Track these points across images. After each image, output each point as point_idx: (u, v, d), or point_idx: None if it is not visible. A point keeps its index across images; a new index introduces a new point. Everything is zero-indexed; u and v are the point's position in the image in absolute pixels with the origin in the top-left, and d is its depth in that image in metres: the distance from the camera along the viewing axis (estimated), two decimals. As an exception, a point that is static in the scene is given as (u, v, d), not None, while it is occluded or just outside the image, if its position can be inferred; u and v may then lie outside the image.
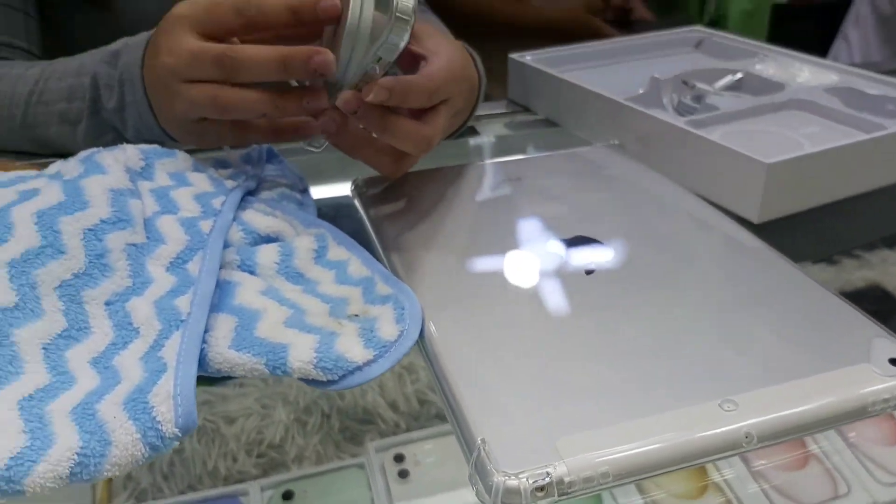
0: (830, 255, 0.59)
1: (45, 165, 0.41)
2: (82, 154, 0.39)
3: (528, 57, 0.66)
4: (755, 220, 0.45)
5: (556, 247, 0.39)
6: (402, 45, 0.38)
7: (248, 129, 0.46)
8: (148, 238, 0.35)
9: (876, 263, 0.65)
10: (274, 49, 0.40)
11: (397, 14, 0.36)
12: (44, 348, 0.30)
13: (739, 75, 0.62)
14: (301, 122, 0.47)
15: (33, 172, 0.42)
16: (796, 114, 0.56)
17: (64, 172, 0.37)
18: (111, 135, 0.52)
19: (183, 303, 0.32)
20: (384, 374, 0.31)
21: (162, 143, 0.45)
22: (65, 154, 0.52)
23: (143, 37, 0.49)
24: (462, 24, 0.76)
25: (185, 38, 0.41)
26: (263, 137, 0.47)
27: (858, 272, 0.65)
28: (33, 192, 0.34)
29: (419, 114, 0.42)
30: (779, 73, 0.61)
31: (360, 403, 0.62)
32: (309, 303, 0.35)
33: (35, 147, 0.56)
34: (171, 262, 0.35)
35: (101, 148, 0.39)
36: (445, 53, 0.43)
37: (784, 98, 0.56)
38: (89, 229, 0.33)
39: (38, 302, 0.30)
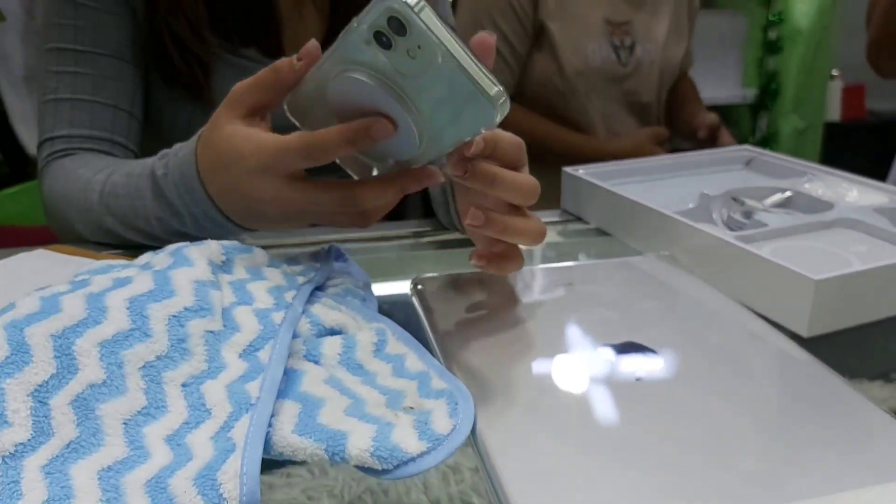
0: (886, 372, 0.58)
1: (128, 256, 0.44)
2: (171, 247, 0.43)
3: (580, 170, 0.69)
4: (804, 334, 0.45)
5: (606, 352, 0.41)
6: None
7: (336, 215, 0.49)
8: (225, 326, 0.38)
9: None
10: (338, 128, 0.42)
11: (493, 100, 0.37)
12: (124, 423, 0.32)
13: (788, 193, 0.64)
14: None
15: (122, 262, 0.46)
16: (845, 232, 0.57)
17: (154, 264, 0.41)
18: (175, 222, 0.55)
19: (253, 388, 0.35)
20: (432, 469, 0.32)
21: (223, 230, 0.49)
22: (131, 243, 0.57)
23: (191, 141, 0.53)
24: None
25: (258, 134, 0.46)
26: (350, 221, 0.49)
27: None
28: (126, 280, 0.38)
29: None
30: (828, 193, 0.62)
31: (404, 501, 0.62)
32: (368, 393, 0.37)
33: (107, 237, 0.61)
34: (244, 350, 0.37)
35: (188, 243, 0.43)
36: None
37: (833, 216, 0.58)
38: (174, 316, 0.36)
39: (123, 380, 0.33)
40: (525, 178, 0.44)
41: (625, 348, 0.41)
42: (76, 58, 0.68)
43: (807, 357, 0.41)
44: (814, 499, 0.29)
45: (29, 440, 0.30)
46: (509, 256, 0.46)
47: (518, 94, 1.30)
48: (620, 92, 1.28)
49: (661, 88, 1.34)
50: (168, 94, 0.72)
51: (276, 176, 0.46)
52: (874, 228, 0.56)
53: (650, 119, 1.34)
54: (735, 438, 0.33)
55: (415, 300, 0.49)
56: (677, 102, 1.43)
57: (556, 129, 1.26)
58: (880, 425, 0.34)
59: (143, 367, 0.34)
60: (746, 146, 0.79)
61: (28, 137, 1.53)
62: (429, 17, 0.36)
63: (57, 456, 0.30)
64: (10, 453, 0.29)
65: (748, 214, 0.59)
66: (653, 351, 0.41)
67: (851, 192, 0.62)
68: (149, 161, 0.57)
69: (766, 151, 0.76)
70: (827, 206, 0.60)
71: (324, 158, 0.44)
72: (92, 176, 0.62)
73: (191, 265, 0.39)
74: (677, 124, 1.39)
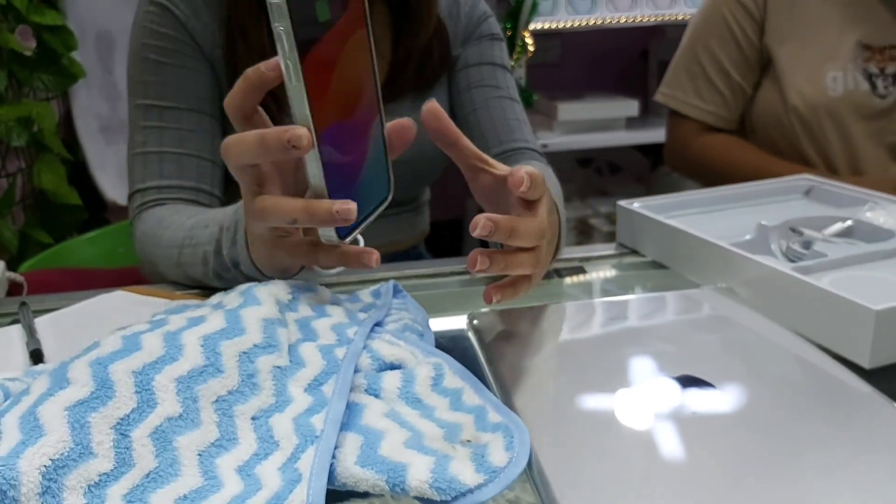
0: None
1: (200, 296, 0.47)
2: (240, 287, 0.45)
3: (635, 204, 0.69)
4: (866, 365, 0.45)
5: (663, 384, 0.41)
6: None
7: (317, 251, 0.49)
8: (291, 362, 0.40)
9: None
10: (254, 132, 0.44)
11: None
12: (199, 454, 0.34)
13: (849, 223, 0.63)
14: (363, 250, 0.49)
15: (195, 301, 0.49)
16: (909, 261, 0.56)
17: (226, 303, 0.43)
18: (231, 273, 0.58)
19: (318, 421, 0.36)
20: (489, 502, 0.33)
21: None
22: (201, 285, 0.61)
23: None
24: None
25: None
26: (329, 259, 0.50)
27: None
28: (200, 319, 0.40)
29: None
30: (889, 221, 0.61)
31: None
32: (426, 427, 0.38)
33: (185, 280, 0.65)
34: (309, 384, 0.39)
35: (256, 283, 0.46)
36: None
37: (894, 245, 0.57)
38: (244, 352, 0.38)
39: (198, 414, 0.35)
40: (535, 225, 0.46)
41: (683, 381, 0.41)
42: (161, 113, 0.73)
43: (869, 390, 0.40)
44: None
45: (112, 470, 0.32)
46: (517, 282, 0.47)
47: (743, 129, 1.17)
48: (875, 129, 1.07)
49: None
50: None
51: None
52: (940, 257, 0.55)
53: None
54: (795, 472, 0.33)
55: (471, 335, 0.51)
56: None
57: (771, 163, 1.05)
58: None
59: (217, 401, 0.36)
60: (806, 175, 0.78)
61: (106, 184, 1.62)
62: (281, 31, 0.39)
63: (137, 485, 0.32)
64: (95, 482, 0.32)
65: (807, 245, 0.59)
66: (711, 384, 0.41)
67: (915, 220, 0.61)
68: (227, 210, 0.60)
69: (826, 180, 0.75)
70: (889, 234, 0.59)
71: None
72: (182, 221, 0.65)
73: (259, 304, 0.42)
74: None
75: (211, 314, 0.41)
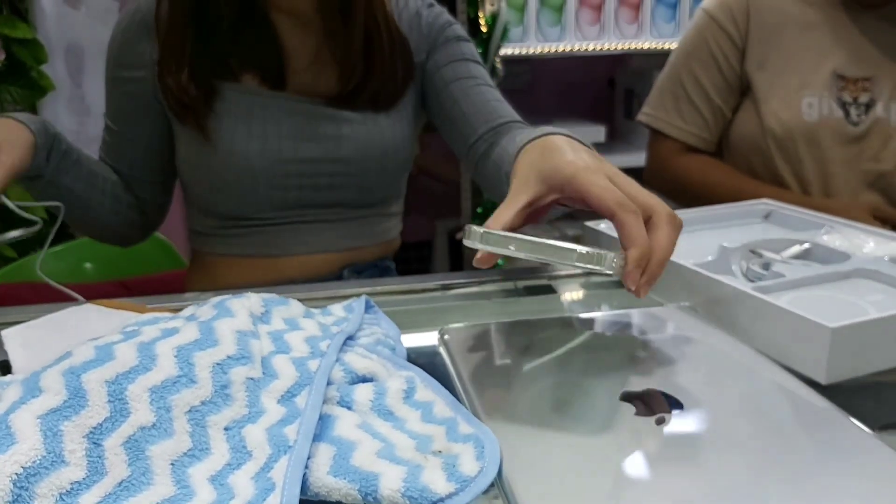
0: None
1: (171, 310, 0.47)
2: (214, 300, 0.45)
3: (602, 225, 0.71)
4: (823, 381, 0.46)
5: (627, 397, 0.42)
6: None
7: None
8: (264, 373, 0.40)
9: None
10: None
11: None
12: (171, 464, 0.34)
13: (807, 245, 0.65)
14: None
15: (167, 315, 0.49)
16: (862, 282, 0.58)
17: (199, 315, 0.44)
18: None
19: (291, 431, 0.37)
20: None
21: None
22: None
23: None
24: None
25: None
26: None
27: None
28: (174, 331, 0.40)
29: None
30: (845, 244, 0.64)
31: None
32: (398, 438, 0.38)
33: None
34: (282, 396, 0.39)
35: (230, 296, 0.46)
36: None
37: (850, 267, 0.59)
38: (217, 363, 0.39)
39: (171, 423, 0.36)
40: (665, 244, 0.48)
41: (647, 397, 0.42)
42: (106, 130, 0.89)
43: (826, 405, 0.42)
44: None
45: (84, 479, 0.32)
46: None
47: (720, 151, 1.20)
48: (848, 155, 1.10)
49: None
50: (180, 130, 0.84)
51: None
52: (891, 278, 0.57)
53: (890, 190, 1.12)
54: (751, 484, 0.34)
55: (442, 350, 0.51)
56: None
57: (746, 185, 1.09)
58: (892, 466, 0.35)
59: (190, 411, 0.36)
60: (765, 200, 0.81)
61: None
62: None
63: (110, 493, 0.32)
64: (67, 491, 0.32)
65: (766, 266, 0.61)
66: (675, 399, 0.42)
67: (868, 244, 0.63)
68: None
69: (785, 205, 0.78)
70: (844, 257, 0.62)
71: None
72: None
73: (233, 316, 0.42)
74: None
75: (184, 325, 0.41)
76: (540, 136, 0.60)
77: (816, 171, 1.10)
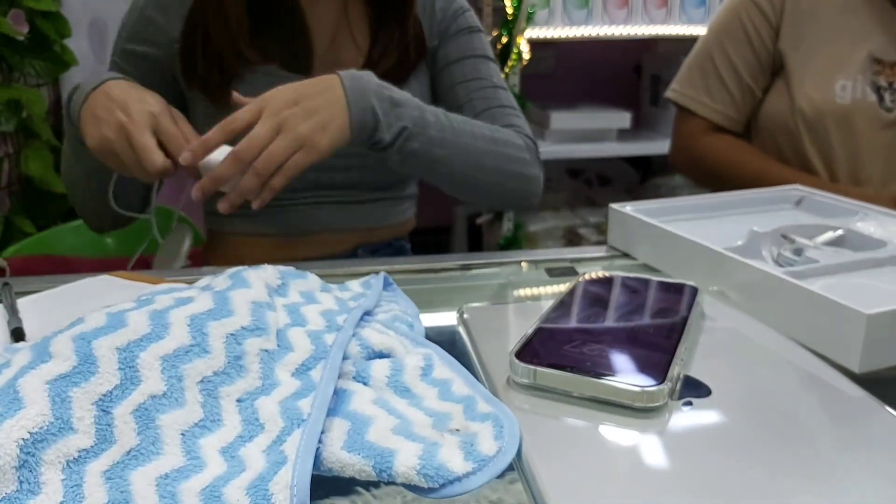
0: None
1: (189, 282, 0.47)
2: (230, 271, 0.45)
3: (628, 207, 0.69)
4: (856, 369, 0.45)
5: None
6: None
7: None
8: (279, 346, 0.39)
9: None
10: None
11: None
12: (182, 434, 0.34)
13: (840, 232, 0.63)
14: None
15: (183, 285, 0.48)
16: (898, 270, 0.56)
17: (214, 285, 0.43)
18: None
19: (305, 405, 0.36)
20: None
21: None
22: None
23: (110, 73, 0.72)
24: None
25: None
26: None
27: None
28: (188, 300, 0.39)
29: None
30: (879, 231, 0.62)
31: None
32: (415, 415, 0.37)
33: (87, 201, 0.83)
34: (296, 369, 0.38)
35: (246, 267, 0.45)
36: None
37: (885, 254, 0.57)
38: (231, 334, 0.38)
39: (182, 393, 0.35)
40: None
41: (676, 381, 0.41)
42: None
43: (861, 393, 0.40)
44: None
45: (92, 447, 0.31)
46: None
47: (749, 132, 1.17)
48: (880, 141, 1.06)
49: None
50: (201, 107, 0.83)
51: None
52: (929, 266, 0.55)
53: None
54: (783, 471, 0.33)
55: (461, 329, 0.50)
56: None
57: (772, 168, 1.07)
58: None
59: (202, 381, 0.36)
60: (797, 185, 0.78)
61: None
62: None
63: (118, 462, 0.31)
64: (74, 458, 0.31)
65: (798, 252, 0.59)
66: (702, 383, 0.40)
67: (905, 231, 0.61)
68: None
69: (817, 191, 0.75)
70: (879, 244, 0.59)
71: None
72: None
73: (248, 287, 0.41)
74: None
75: (199, 295, 0.40)
76: None
77: (846, 156, 1.07)
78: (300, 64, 0.81)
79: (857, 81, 1.05)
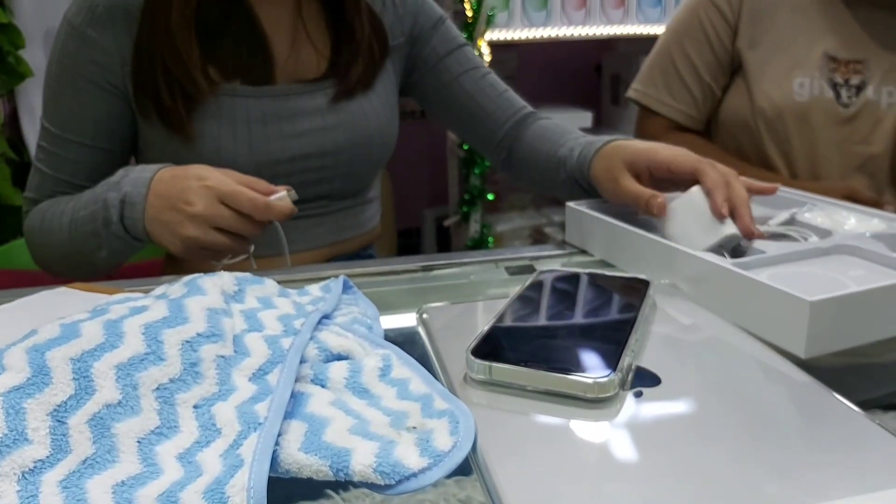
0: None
1: (145, 291, 0.47)
2: (185, 278, 0.45)
3: (584, 205, 0.71)
4: (802, 355, 0.46)
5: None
6: None
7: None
8: (236, 351, 0.40)
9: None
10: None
11: None
12: (138, 442, 0.34)
13: (788, 214, 0.65)
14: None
15: (139, 294, 0.48)
16: (843, 258, 0.58)
17: (169, 293, 0.43)
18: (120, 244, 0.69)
19: (261, 408, 0.36)
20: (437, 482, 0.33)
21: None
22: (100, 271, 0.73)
23: (145, 170, 0.67)
24: None
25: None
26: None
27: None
28: (143, 308, 0.40)
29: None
30: (826, 221, 0.64)
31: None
32: (372, 414, 0.38)
33: (83, 269, 0.74)
34: (253, 373, 0.39)
35: (202, 275, 0.45)
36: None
37: (830, 243, 0.59)
38: (187, 341, 0.38)
39: (137, 401, 0.35)
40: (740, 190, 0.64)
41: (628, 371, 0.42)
42: (54, 139, 0.78)
43: (806, 378, 0.41)
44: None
45: (48, 457, 0.32)
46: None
47: (709, 130, 1.20)
48: (838, 137, 1.10)
49: None
50: (157, 133, 0.78)
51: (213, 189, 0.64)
52: (871, 254, 0.57)
53: (879, 173, 1.12)
54: (735, 459, 0.34)
55: (420, 329, 0.51)
56: None
57: (730, 165, 1.06)
58: (875, 437, 0.35)
59: (157, 388, 0.36)
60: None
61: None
62: None
63: (74, 471, 0.31)
64: (30, 469, 0.31)
65: (749, 243, 0.61)
66: (652, 373, 0.42)
67: (849, 220, 0.63)
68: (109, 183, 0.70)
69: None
70: (825, 233, 0.61)
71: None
72: (63, 206, 0.75)
73: (204, 294, 0.41)
74: None
75: (154, 303, 0.40)
76: (603, 145, 0.76)
77: (805, 152, 1.10)
78: (261, 76, 0.79)
79: (814, 79, 1.08)
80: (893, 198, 1.10)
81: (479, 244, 2.04)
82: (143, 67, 0.74)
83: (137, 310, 0.39)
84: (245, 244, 0.67)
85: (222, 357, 0.39)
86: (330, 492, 0.49)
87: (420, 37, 0.90)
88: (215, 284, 0.43)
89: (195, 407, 0.36)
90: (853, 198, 0.96)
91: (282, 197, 0.65)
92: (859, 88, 1.09)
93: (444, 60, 0.89)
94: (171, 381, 0.36)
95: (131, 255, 0.73)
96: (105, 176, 0.72)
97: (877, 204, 0.81)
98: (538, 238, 2.13)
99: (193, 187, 0.63)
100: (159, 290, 0.45)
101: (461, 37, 0.92)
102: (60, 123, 0.77)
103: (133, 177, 0.67)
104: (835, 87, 1.09)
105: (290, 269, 0.55)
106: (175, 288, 0.43)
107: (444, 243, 2.37)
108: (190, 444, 0.35)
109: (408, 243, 2.49)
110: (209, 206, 0.63)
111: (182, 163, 0.69)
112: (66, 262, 0.76)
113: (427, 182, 2.46)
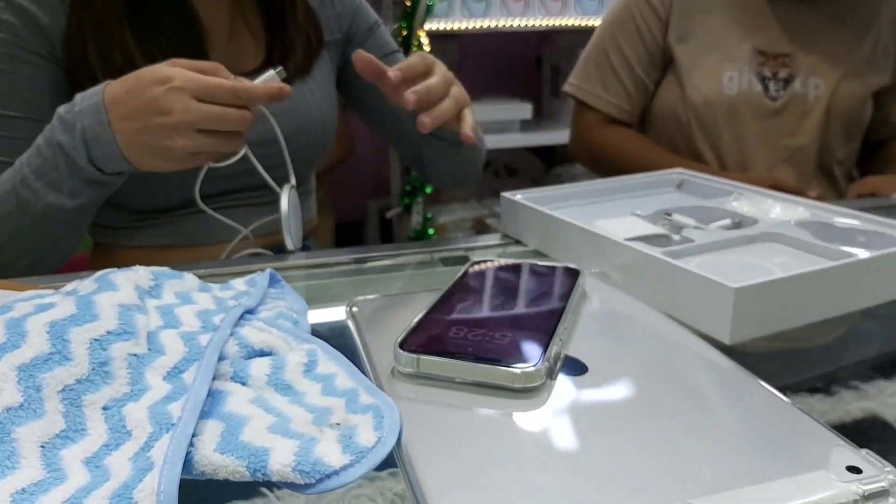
0: (827, 386, 0.60)
1: (56, 287, 0.44)
2: (97, 274, 0.43)
3: (518, 196, 0.71)
4: (727, 341, 0.47)
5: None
6: None
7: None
8: (149, 349, 0.38)
9: (874, 394, 0.65)
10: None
11: None
12: (41, 446, 0.32)
13: (728, 221, 0.66)
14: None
15: (49, 291, 0.46)
16: (769, 245, 0.59)
17: (79, 290, 0.41)
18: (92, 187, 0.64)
19: (175, 408, 0.35)
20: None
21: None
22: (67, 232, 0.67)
23: (88, 97, 0.62)
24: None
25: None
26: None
27: (856, 403, 0.65)
28: (49, 305, 0.37)
29: None
30: (753, 210, 0.65)
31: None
32: (294, 412, 0.37)
33: (38, 233, 0.67)
34: (168, 372, 0.37)
35: (115, 269, 0.43)
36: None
37: (756, 231, 0.60)
38: (95, 339, 0.36)
39: (41, 403, 0.33)
40: (438, 77, 0.71)
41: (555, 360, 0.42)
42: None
43: (730, 364, 0.42)
44: (727, 491, 0.30)
45: (-60, 467, 0.29)
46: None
47: (644, 123, 1.21)
48: (766, 130, 1.12)
49: (826, 133, 1.14)
50: None
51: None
52: (796, 241, 0.58)
53: (805, 165, 1.15)
54: (652, 436, 0.34)
55: (350, 322, 0.50)
56: (878, 167, 1.22)
57: (663, 158, 1.09)
58: (797, 422, 0.35)
59: (63, 390, 0.34)
60: (679, 169, 0.82)
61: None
62: None
63: (-31, 481, 0.30)
64: (-80, 480, 0.29)
65: (677, 231, 0.61)
66: (581, 362, 0.41)
67: (775, 209, 0.64)
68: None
69: (697, 174, 0.79)
70: (752, 221, 0.63)
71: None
72: None
73: (115, 290, 0.39)
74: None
75: (61, 301, 0.38)
76: None
77: (734, 144, 1.12)
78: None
79: (743, 73, 1.11)
80: (819, 189, 1.14)
81: (420, 236, 2.04)
82: (75, 54, 0.72)
83: (43, 307, 0.37)
84: (238, 138, 0.62)
85: (135, 355, 0.37)
86: (264, 490, 0.48)
87: (355, 38, 0.92)
88: (129, 279, 0.41)
89: (104, 408, 0.34)
90: (778, 188, 0.98)
91: (269, 77, 0.62)
92: (787, 82, 1.12)
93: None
94: (78, 381, 0.34)
95: (105, 198, 0.68)
96: None
97: (801, 193, 0.83)
98: (480, 229, 2.14)
99: (161, 95, 0.57)
100: (69, 286, 0.43)
101: (393, 43, 0.97)
102: (4, 103, 0.71)
103: (80, 109, 0.61)
104: (763, 80, 1.12)
105: (216, 263, 0.53)
106: (85, 284, 0.41)
107: (388, 235, 2.35)
108: (98, 447, 0.33)
109: (350, 235, 2.47)
110: (187, 108, 0.57)
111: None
112: (12, 247, 0.68)
113: (370, 174, 2.44)
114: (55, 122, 0.62)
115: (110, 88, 0.60)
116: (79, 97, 0.62)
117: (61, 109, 0.62)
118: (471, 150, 0.94)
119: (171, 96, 0.57)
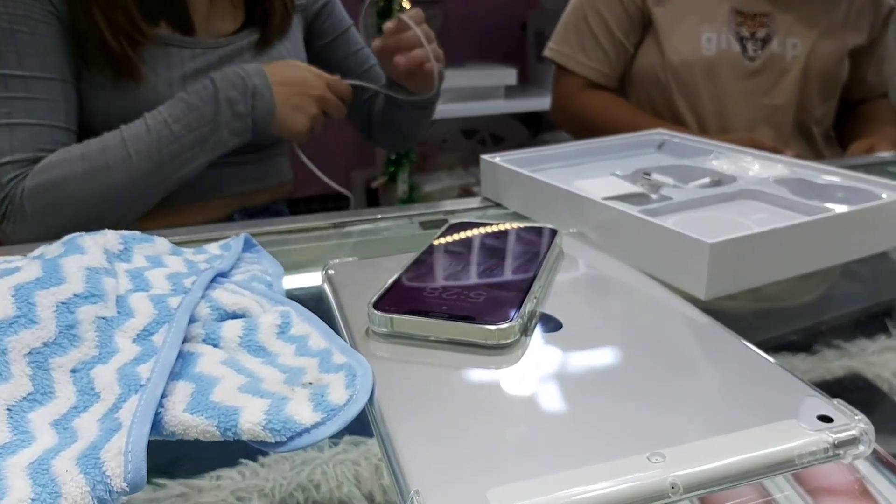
0: (809, 346, 0.60)
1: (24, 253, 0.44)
2: (65, 238, 0.42)
3: (498, 158, 0.70)
4: (703, 297, 0.47)
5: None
6: None
7: None
8: (119, 312, 0.37)
9: (855, 353, 0.66)
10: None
11: None
12: (8, 409, 0.32)
13: (707, 180, 0.65)
14: None
15: (15, 257, 0.45)
16: (747, 202, 0.59)
17: (46, 254, 0.40)
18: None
19: (144, 370, 0.34)
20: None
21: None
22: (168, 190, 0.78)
23: (249, 68, 0.80)
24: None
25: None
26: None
27: (838, 361, 0.66)
28: (14, 270, 0.37)
29: None
30: (732, 168, 0.65)
31: (335, 495, 0.61)
32: (267, 372, 0.36)
33: (174, 182, 0.77)
34: (137, 335, 0.37)
35: (82, 233, 0.42)
36: None
37: (735, 188, 0.60)
38: (62, 302, 0.35)
39: (7, 367, 0.33)
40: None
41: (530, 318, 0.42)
42: (7, 83, 0.73)
43: (705, 319, 0.42)
44: (696, 441, 0.30)
45: None
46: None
47: (624, 87, 1.21)
48: (745, 90, 1.13)
49: (804, 92, 1.14)
50: (102, 85, 0.79)
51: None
52: (773, 197, 0.58)
53: (784, 125, 1.15)
54: (621, 388, 0.34)
55: (325, 286, 0.49)
56: (855, 126, 1.22)
57: (644, 121, 1.08)
58: (770, 373, 0.35)
59: (30, 353, 0.33)
60: (660, 129, 0.81)
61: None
62: None
63: (-66, 445, 0.29)
64: None
65: (655, 190, 0.61)
66: (556, 319, 0.41)
67: (754, 166, 0.64)
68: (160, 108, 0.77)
69: (677, 134, 0.78)
70: (731, 179, 0.62)
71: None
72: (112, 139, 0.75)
73: (83, 253, 0.39)
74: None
75: (27, 264, 0.38)
76: None
77: (713, 105, 1.12)
78: (185, 29, 0.83)
79: (721, 33, 1.11)
80: (797, 149, 1.14)
81: (406, 205, 2.03)
82: (81, 14, 0.75)
83: (8, 271, 0.37)
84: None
85: (103, 318, 0.36)
86: (246, 460, 0.48)
87: (321, 10, 1.00)
88: (97, 243, 0.41)
89: (73, 371, 0.34)
90: (757, 147, 0.98)
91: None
92: (765, 41, 1.11)
93: (337, 39, 1.02)
94: (45, 344, 0.34)
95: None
96: (77, 116, 0.77)
97: (779, 152, 0.83)
98: (466, 197, 2.13)
99: (309, 77, 0.81)
100: (37, 251, 0.43)
101: (348, 18, 1.05)
102: (28, 64, 0.73)
103: (249, 72, 0.78)
104: (741, 40, 1.11)
105: (191, 229, 0.52)
106: (52, 248, 0.41)
107: (374, 204, 2.34)
108: (66, 409, 0.33)
109: (337, 206, 2.45)
110: (324, 90, 0.82)
111: (121, 109, 0.77)
112: (126, 194, 0.75)
113: (354, 143, 2.42)
114: (213, 86, 0.76)
115: (268, 67, 0.80)
116: (232, 69, 0.78)
117: (216, 78, 0.77)
118: (422, 112, 1.02)
119: (316, 80, 0.82)
